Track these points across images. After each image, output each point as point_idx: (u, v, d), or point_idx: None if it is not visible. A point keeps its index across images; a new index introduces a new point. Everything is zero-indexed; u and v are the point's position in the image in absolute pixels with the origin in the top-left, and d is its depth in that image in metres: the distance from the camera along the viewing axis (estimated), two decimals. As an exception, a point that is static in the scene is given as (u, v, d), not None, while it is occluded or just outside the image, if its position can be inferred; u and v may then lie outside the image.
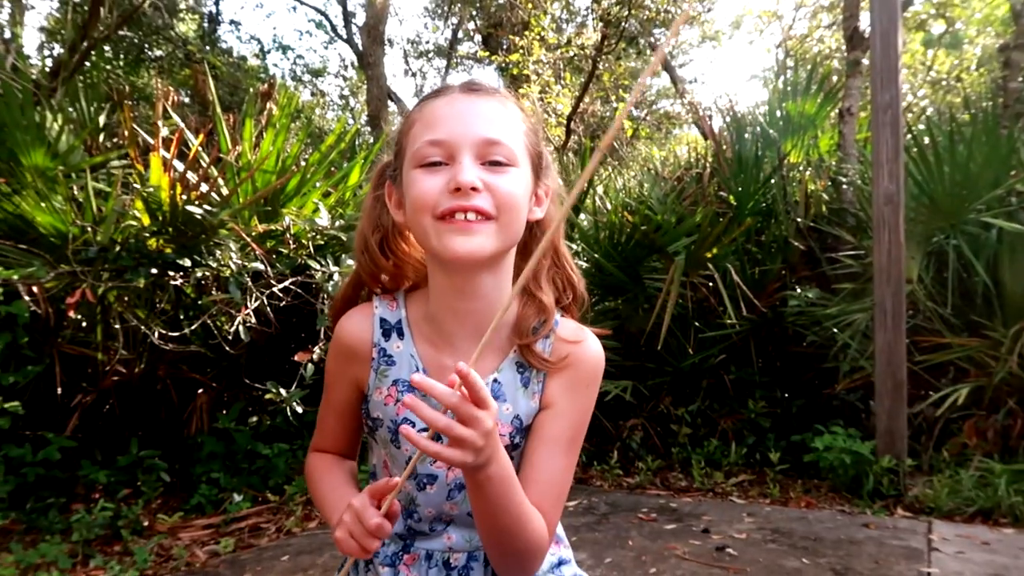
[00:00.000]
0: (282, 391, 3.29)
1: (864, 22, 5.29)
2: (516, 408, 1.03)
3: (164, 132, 3.79)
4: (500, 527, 0.92)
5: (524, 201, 0.97)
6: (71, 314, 3.40)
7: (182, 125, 3.99)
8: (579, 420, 1.04)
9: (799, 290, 4.65)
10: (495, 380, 1.02)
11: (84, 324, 3.76)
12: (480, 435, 0.79)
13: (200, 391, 3.97)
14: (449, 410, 0.78)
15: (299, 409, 3.34)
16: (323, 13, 15.66)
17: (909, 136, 4.55)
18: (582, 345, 1.05)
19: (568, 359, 1.03)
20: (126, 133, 4.06)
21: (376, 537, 0.87)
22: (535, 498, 0.97)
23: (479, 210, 0.91)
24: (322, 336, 3.39)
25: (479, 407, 0.79)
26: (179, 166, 3.61)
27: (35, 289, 3.13)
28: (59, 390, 3.43)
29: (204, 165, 3.81)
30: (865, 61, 5.21)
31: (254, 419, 4.24)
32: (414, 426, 0.98)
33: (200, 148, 3.72)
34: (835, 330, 4.40)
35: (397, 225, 1.07)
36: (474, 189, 0.90)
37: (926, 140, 4.77)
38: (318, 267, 3.46)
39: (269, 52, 16.29)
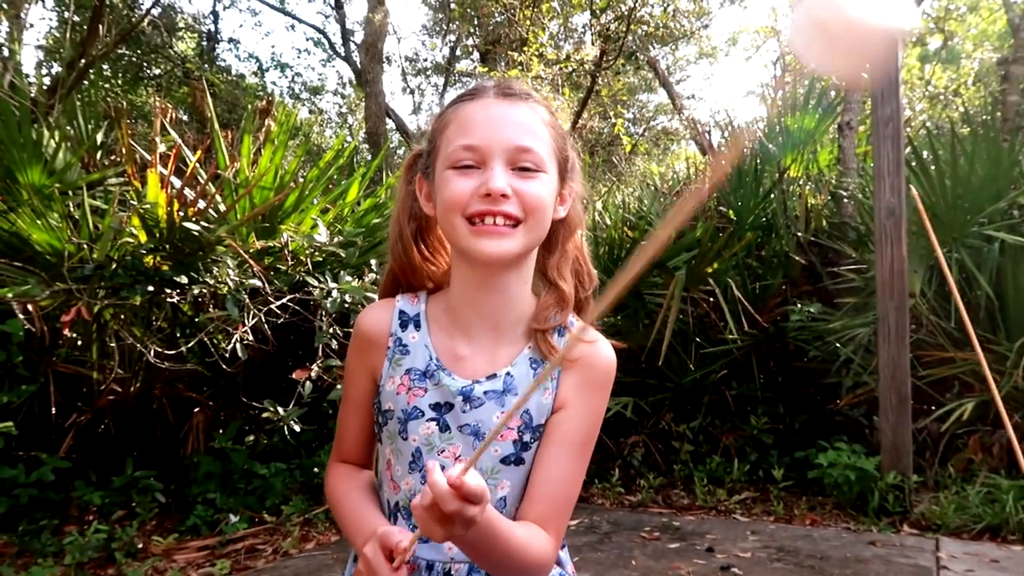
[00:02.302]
0: (280, 410, 3.25)
1: (862, 37, 5.30)
2: (526, 402, 1.04)
3: (161, 148, 3.77)
4: (491, 562, 0.95)
5: (550, 204, 1.03)
6: (66, 332, 3.37)
7: (179, 141, 3.98)
8: (590, 424, 1.06)
9: (800, 305, 4.62)
10: (508, 373, 1.04)
11: (79, 343, 3.72)
12: (461, 523, 0.81)
13: (196, 410, 3.92)
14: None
15: (297, 428, 3.30)
16: (321, 31, 15.67)
17: (909, 150, 4.54)
18: (596, 346, 1.07)
19: (581, 359, 1.05)
20: (123, 150, 4.04)
21: None
22: (542, 504, 1.00)
23: (507, 215, 0.96)
24: (320, 353, 3.36)
25: (471, 502, 0.80)
26: (176, 182, 3.58)
27: (30, 307, 3.10)
28: (53, 410, 3.39)
29: (202, 181, 3.78)
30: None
31: (251, 438, 4.19)
32: (423, 415, 1.03)
33: (198, 164, 3.70)
34: (837, 345, 4.37)
35: (428, 217, 1.11)
36: (504, 196, 0.96)
37: (926, 154, 4.76)
38: (316, 284, 3.42)
39: (268, 70, 16.26)
